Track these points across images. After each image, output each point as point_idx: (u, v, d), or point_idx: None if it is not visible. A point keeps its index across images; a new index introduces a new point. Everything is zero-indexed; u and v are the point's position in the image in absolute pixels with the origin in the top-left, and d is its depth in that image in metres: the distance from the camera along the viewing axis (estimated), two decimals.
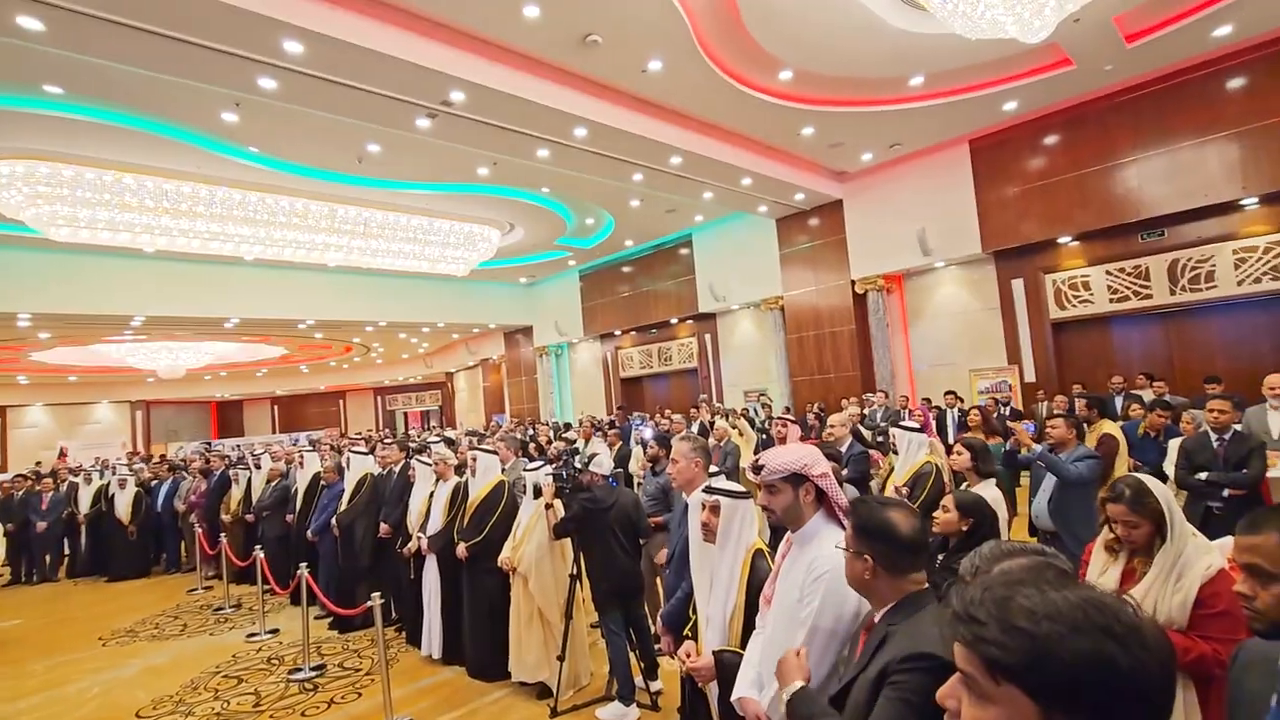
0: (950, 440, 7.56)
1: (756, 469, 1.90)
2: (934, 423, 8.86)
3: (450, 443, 6.71)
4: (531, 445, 6.98)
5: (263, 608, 6.26)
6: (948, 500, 2.62)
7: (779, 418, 6.29)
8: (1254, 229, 8.45)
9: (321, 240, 11.31)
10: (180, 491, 9.73)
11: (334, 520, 5.99)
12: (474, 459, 4.92)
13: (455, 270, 13.69)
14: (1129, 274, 9.45)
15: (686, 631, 2.65)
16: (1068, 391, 8.66)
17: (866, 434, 6.64)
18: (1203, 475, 3.95)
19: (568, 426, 13.32)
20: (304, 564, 5.25)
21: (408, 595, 5.33)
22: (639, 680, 4.05)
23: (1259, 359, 8.37)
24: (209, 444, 22.52)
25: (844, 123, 9.30)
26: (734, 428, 7.15)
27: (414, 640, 5.30)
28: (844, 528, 1.85)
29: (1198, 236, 8.82)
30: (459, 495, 4.98)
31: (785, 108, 8.71)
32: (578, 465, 4.27)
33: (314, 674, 4.96)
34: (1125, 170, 8.97)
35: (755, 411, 12.50)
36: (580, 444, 8.47)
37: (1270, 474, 4.48)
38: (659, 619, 2.88)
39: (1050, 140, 9.58)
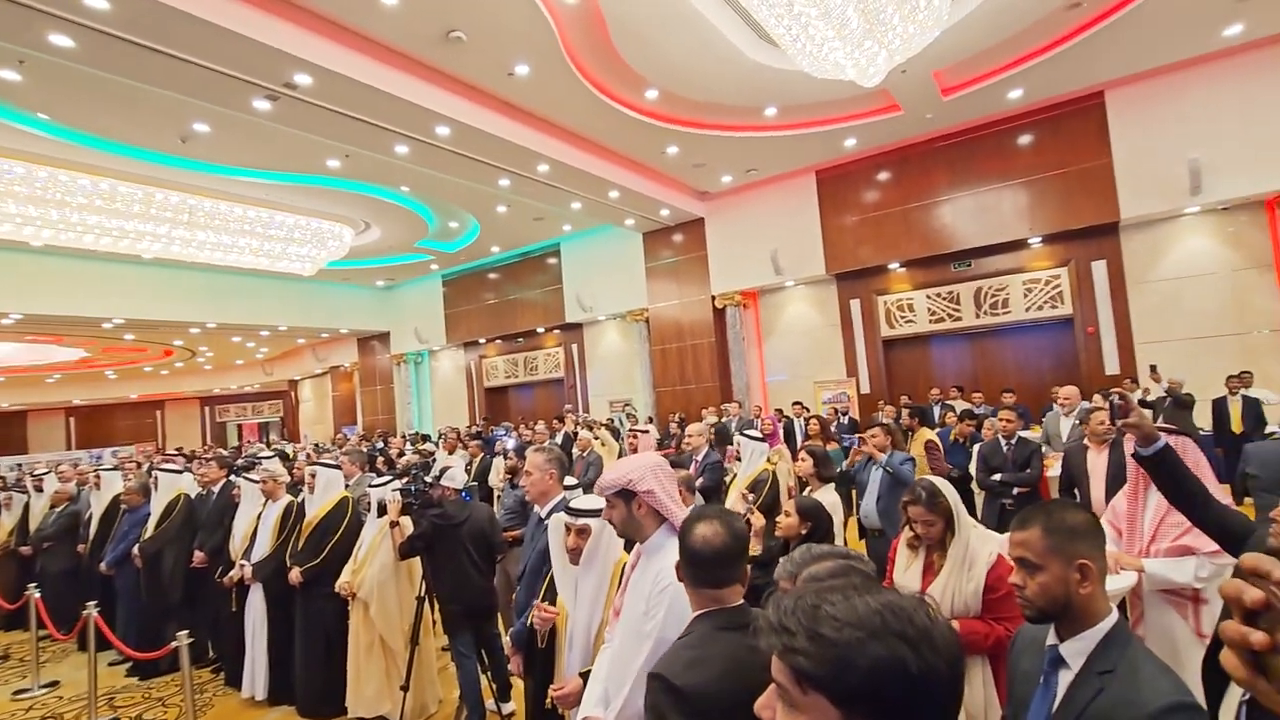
0: (797, 447, 8.11)
1: (591, 486, 1.90)
2: (782, 431, 9.45)
3: (285, 457, 6.09)
4: (380, 459, 6.53)
5: (37, 657, 5.28)
6: (789, 505, 2.78)
7: (633, 429, 6.38)
8: (1038, 264, 9.95)
9: (134, 228, 9.89)
10: None
11: (136, 549, 5.20)
12: (313, 475, 4.50)
13: (300, 269, 12.58)
14: (944, 299, 10.73)
15: (540, 645, 2.58)
16: (896, 402, 9.62)
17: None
18: (997, 477, 4.54)
19: (425, 438, 12.67)
20: (94, 603, 4.50)
21: (227, 631, 4.74)
22: (490, 703, 3.89)
23: (1043, 373, 9.89)
24: None
25: (706, 145, 9.74)
26: (596, 438, 7.17)
27: (234, 681, 4.72)
28: None
29: (996, 268, 10.23)
30: (291, 516, 4.52)
31: (651, 126, 8.96)
32: (428, 479, 4.04)
33: None
34: (942, 207, 10.20)
35: (620, 421, 12.66)
36: (442, 456, 8.08)
37: (1048, 474, 5.25)
38: (509, 638, 2.78)
39: (883, 176, 10.67)
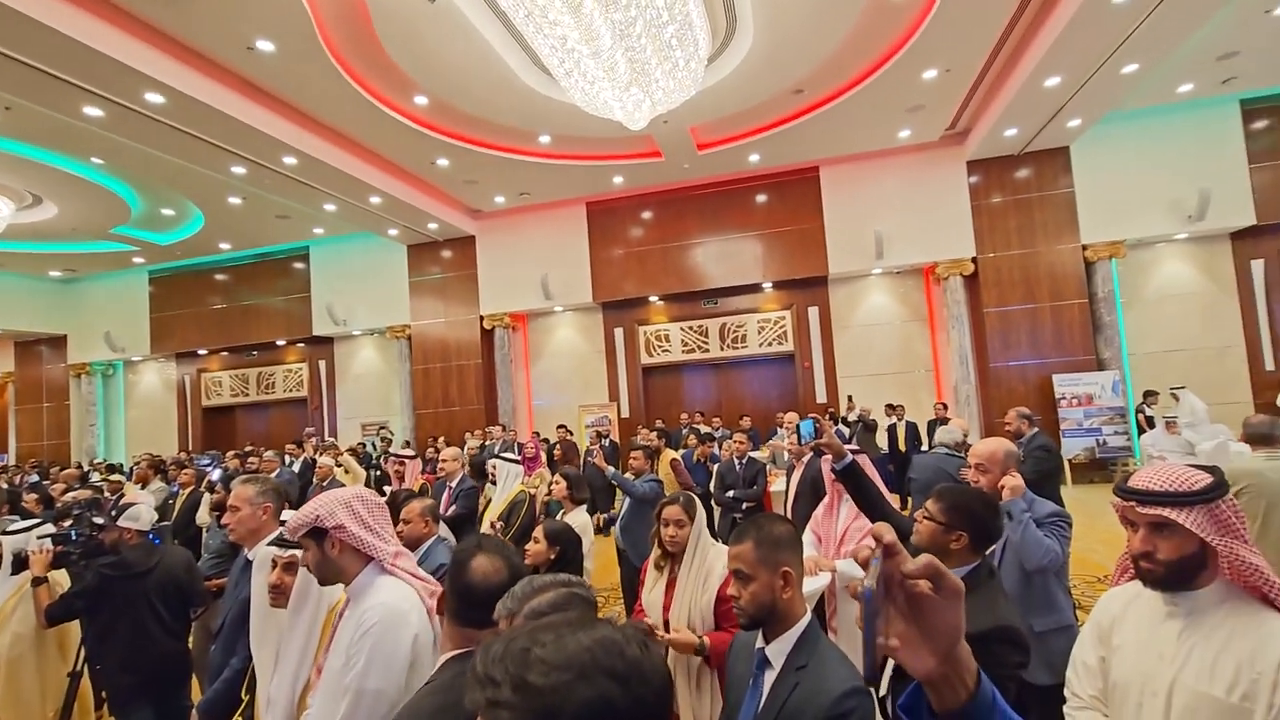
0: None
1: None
2: (544, 455, 9.50)
3: None
4: (33, 497, 5.05)
5: None
6: (538, 531, 2.74)
7: (395, 454, 5.88)
8: (769, 306, 11.51)
9: None
10: None
11: None
12: None
13: None
14: (695, 332, 11.84)
15: (239, 716, 2.17)
16: (652, 425, 10.29)
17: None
18: (730, 493, 5.06)
19: (115, 469, 10.27)
20: None
21: None
22: None
23: (771, 400, 11.39)
24: None
25: (478, 162, 9.55)
26: (339, 465, 6.43)
27: None
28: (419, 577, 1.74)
29: (737, 307, 11.60)
30: None
31: (420, 134, 8.53)
32: (99, 521, 3.22)
33: None
34: (695, 249, 11.29)
35: (373, 446, 11.62)
36: (133, 490, 6.53)
37: (772, 488, 6.01)
38: (196, 710, 2.30)
39: (646, 215, 11.50)
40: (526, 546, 2.71)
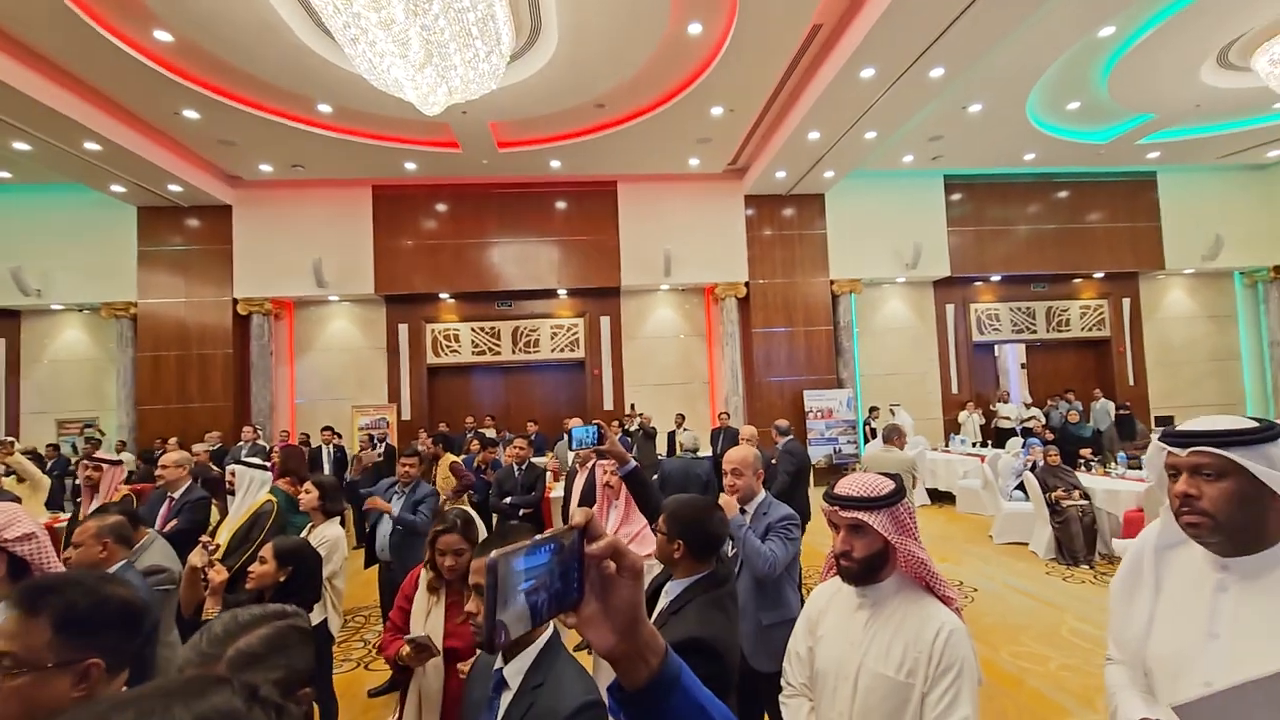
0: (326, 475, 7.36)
1: None
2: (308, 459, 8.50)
3: None
4: None
5: None
6: (266, 550, 2.36)
7: (94, 459, 4.75)
8: (563, 312, 11.61)
9: None
10: None
11: None
12: None
13: None
14: (488, 333, 11.51)
15: None
16: (434, 429, 9.74)
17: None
18: (507, 500, 4.95)
19: None
20: None
21: None
22: None
23: (561, 405, 11.46)
24: None
25: (239, 121, 8.27)
26: (11, 472, 5.04)
27: None
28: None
29: (531, 311, 11.52)
30: None
31: (158, 75, 7.14)
32: None
33: None
34: (492, 249, 10.99)
35: (73, 448, 9.45)
36: None
37: (551, 494, 6.01)
38: None
39: (441, 207, 10.92)
40: (251, 568, 2.34)
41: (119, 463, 4.53)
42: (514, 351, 11.52)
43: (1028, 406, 11.80)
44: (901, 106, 7.95)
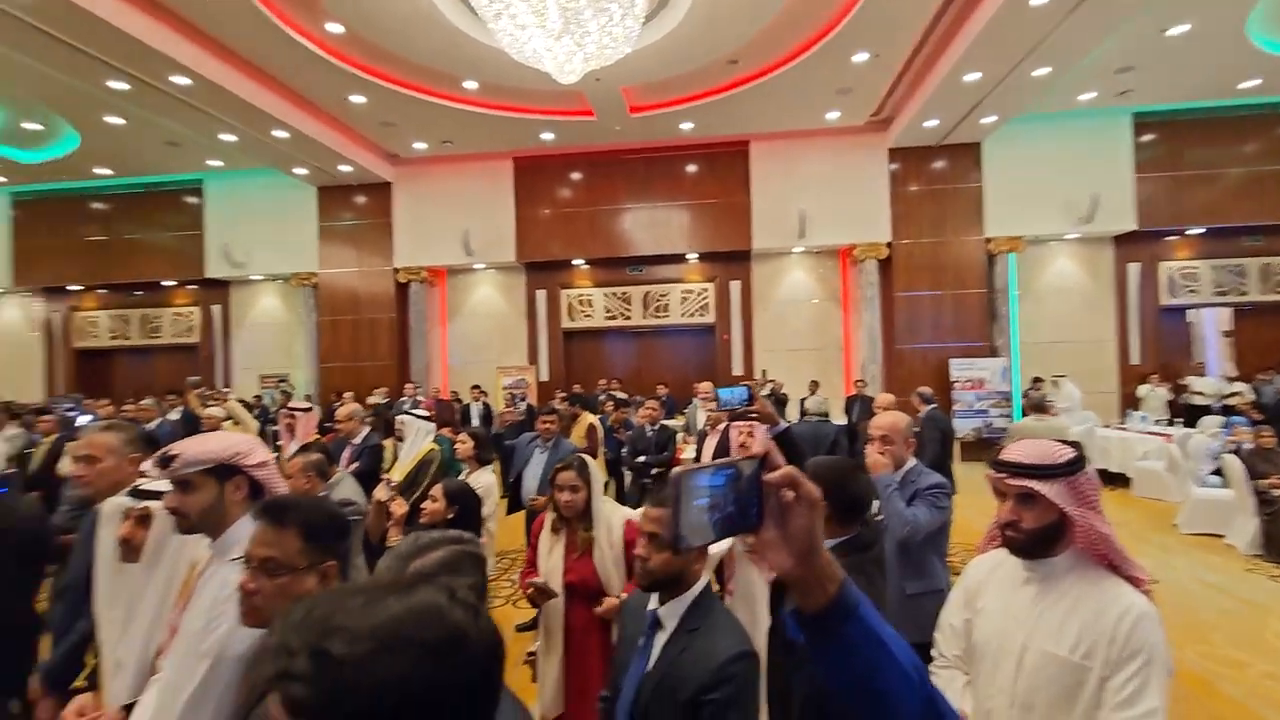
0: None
1: (165, 461, 1.50)
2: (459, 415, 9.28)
3: None
4: None
5: None
6: (436, 489, 2.64)
7: (289, 408, 5.51)
8: (693, 276, 11.59)
9: None
10: None
11: None
12: None
13: None
14: (619, 298, 11.78)
15: (81, 682, 1.99)
16: (570, 391, 10.21)
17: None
18: (641, 458, 5.10)
19: None
20: None
21: None
22: None
23: (690, 370, 11.53)
24: None
25: (398, 103, 8.97)
26: (229, 418, 5.99)
27: None
28: None
29: (661, 276, 11.61)
30: None
31: (332, 66, 7.89)
32: None
33: None
34: (623, 215, 11.16)
35: (271, 399, 10.97)
36: None
37: (682, 455, 6.11)
38: (38, 675, 2.09)
39: (576, 175, 11.22)
40: (423, 505, 2.62)
41: (310, 409, 5.20)
42: (644, 316, 11.71)
43: (1230, 380, 10.14)
44: (1083, 35, 6.94)
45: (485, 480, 3.64)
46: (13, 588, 2.96)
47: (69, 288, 12.78)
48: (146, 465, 2.08)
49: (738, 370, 11.24)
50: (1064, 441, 1.46)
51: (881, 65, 8.27)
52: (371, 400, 8.10)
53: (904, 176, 10.47)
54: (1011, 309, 10.44)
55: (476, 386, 9.79)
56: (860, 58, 7.99)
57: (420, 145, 10.71)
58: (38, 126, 9.61)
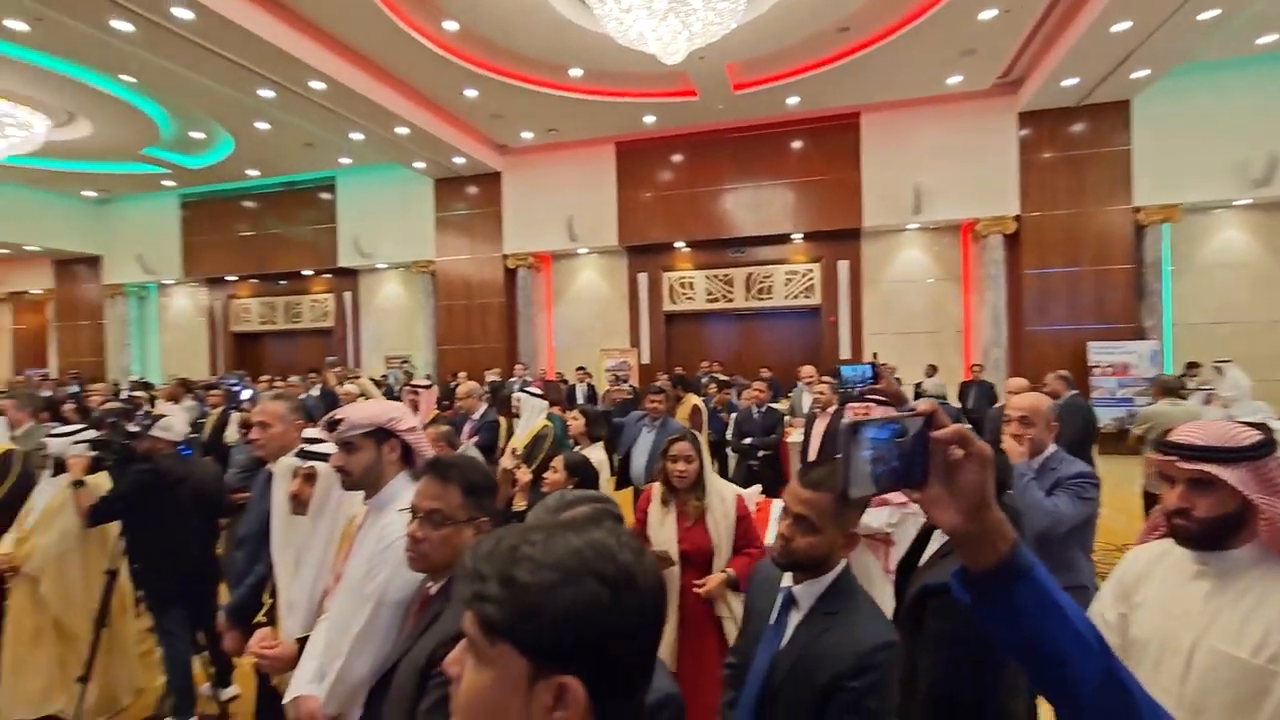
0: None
1: (332, 425, 1.68)
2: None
3: None
4: (70, 406, 5.26)
5: None
6: (557, 461, 2.77)
7: (412, 385, 5.95)
8: (798, 257, 11.27)
9: None
10: None
11: None
12: None
13: None
14: (721, 280, 11.67)
15: (261, 618, 2.27)
16: (671, 372, 10.28)
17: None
18: (746, 440, 5.06)
19: (146, 386, 10.60)
20: None
21: None
22: (206, 688, 3.38)
23: (794, 353, 11.25)
24: None
25: (507, 95, 9.30)
26: (362, 394, 6.56)
27: None
28: None
29: (765, 258, 11.37)
30: None
31: (449, 62, 8.30)
32: (132, 429, 3.33)
33: None
34: (725, 195, 11.01)
35: (395, 379, 11.81)
36: (163, 406, 6.75)
37: (789, 439, 6.00)
38: (223, 612, 2.41)
39: (677, 157, 11.18)
40: (544, 475, 2.75)
41: (430, 386, 5.57)
42: (747, 298, 11.54)
43: None
44: None
45: (596, 456, 3.74)
46: (198, 537, 3.41)
47: (227, 278, 14.36)
48: (309, 431, 2.33)
49: (845, 354, 10.84)
50: (1248, 424, 1.30)
51: (1012, 21, 7.60)
52: (489, 379, 8.57)
53: (1036, 143, 9.60)
54: (1164, 286, 9.36)
55: (581, 368, 10.08)
56: (988, 14, 7.38)
57: (527, 135, 11.07)
58: (200, 135, 10.82)
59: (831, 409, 4.49)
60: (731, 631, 2.40)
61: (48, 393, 7.36)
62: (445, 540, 1.34)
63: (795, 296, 11.31)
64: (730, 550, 2.48)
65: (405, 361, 12.79)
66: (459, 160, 11.16)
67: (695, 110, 10.00)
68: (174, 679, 3.24)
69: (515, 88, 9.07)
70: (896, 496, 3.11)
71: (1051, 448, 2.42)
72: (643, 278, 11.93)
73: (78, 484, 3.20)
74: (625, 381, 9.98)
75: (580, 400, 9.29)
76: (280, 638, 1.88)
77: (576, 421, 3.95)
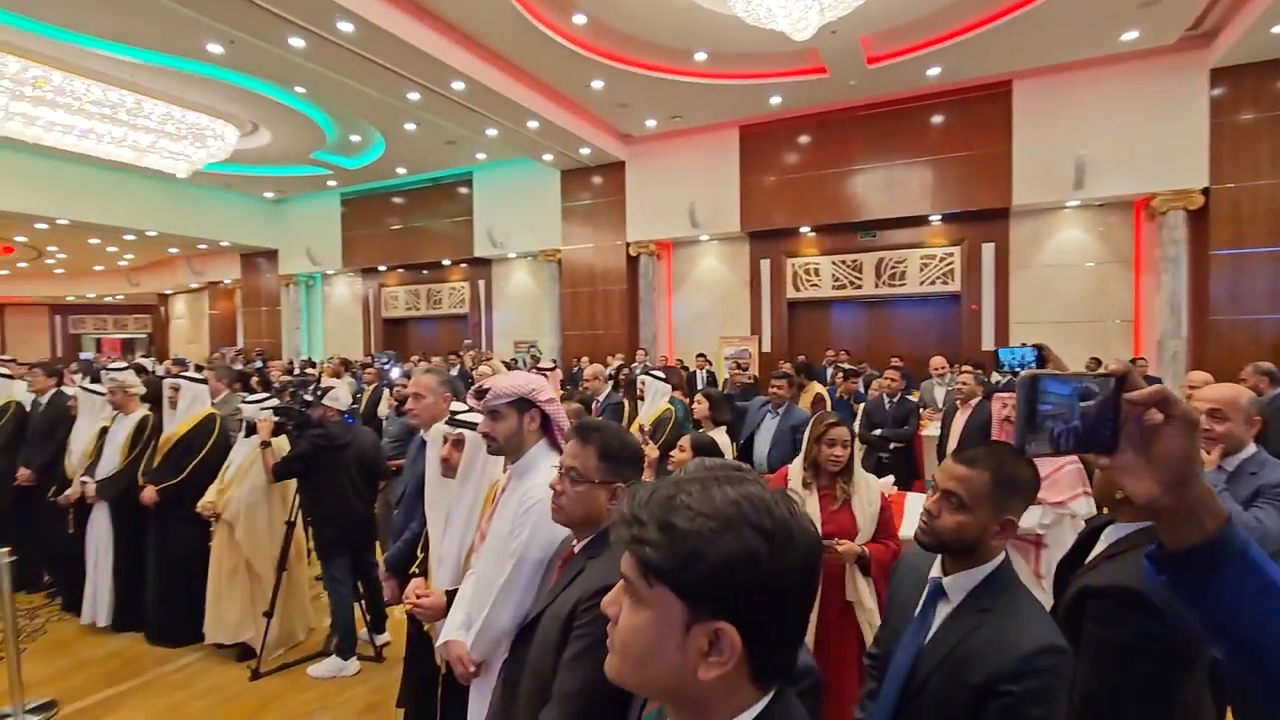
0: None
1: (480, 394, 1.80)
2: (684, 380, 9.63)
3: (141, 370, 5.49)
4: (256, 379, 6.04)
5: None
6: (684, 440, 2.80)
7: (538, 369, 6.26)
8: (936, 240, 10.51)
9: None
10: None
11: None
12: (175, 389, 4.06)
13: (172, 168, 11.20)
14: (849, 266, 11.15)
15: (414, 570, 2.49)
16: (794, 361, 10.00)
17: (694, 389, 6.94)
18: (877, 431, 4.81)
19: (313, 365, 11.92)
20: None
21: (63, 553, 4.29)
22: (364, 633, 3.76)
23: (928, 344, 10.50)
24: None
25: (632, 84, 9.41)
26: (494, 374, 7.00)
27: (73, 607, 4.30)
28: None
29: (897, 241, 10.72)
30: (146, 431, 4.10)
31: (577, 55, 8.53)
32: (307, 399, 3.75)
33: None
34: (855, 176, 10.48)
35: (523, 363, 12.43)
36: (327, 380, 7.60)
37: (924, 433, 5.64)
38: (383, 563, 2.67)
39: (803, 139, 10.79)
40: (671, 454, 2.78)
41: (555, 369, 5.82)
42: (877, 285, 10.95)
43: None
44: None
45: (720, 440, 3.74)
46: (360, 496, 3.78)
47: (378, 268, 15.77)
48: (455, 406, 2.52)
49: (988, 345, 10.00)
50: None
51: None
52: (614, 363, 8.80)
53: (1232, 103, 8.27)
54: None
55: (701, 355, 10.07)
56: None
57: (651, 123, 11.15)
58: (358, 138, 11.90)
59: (974, 401, 4.16)
60: (858, 616, 2.38)
61: (239, 367, 8.46)
62: (579, 498, 1.41)
63: (932, 282, 10.57)
64: (870, 537, 2.46)
65: (532, 346, 13.42)
66: (585, 151, 11.46)
67: (824, 89, 9.59)
68: (338, 621, 3.63)
69: (641, 76, 9.15)
70: (1051, 495, 2.84)
71: (1252, 448, 2.09)
72: (765, 264, 11.67)
73: (265, 444, 3.66)
74: (745, 370, 9.85)
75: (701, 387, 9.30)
76: (431, 588, 2.05)
77: (701, 405, 3.97)
